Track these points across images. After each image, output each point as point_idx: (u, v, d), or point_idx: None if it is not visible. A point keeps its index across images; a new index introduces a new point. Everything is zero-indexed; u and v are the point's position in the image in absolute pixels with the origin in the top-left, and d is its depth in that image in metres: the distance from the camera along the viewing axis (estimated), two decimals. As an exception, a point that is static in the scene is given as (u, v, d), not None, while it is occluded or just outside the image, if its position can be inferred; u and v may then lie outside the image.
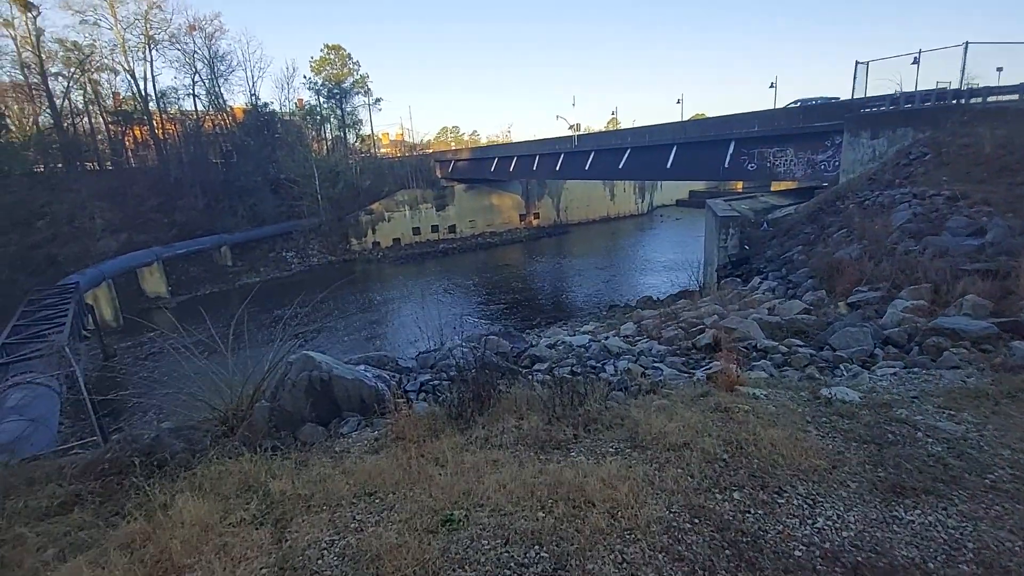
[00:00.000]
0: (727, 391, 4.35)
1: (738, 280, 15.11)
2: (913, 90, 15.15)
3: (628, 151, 28.89)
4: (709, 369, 5.23)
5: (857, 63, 16.22)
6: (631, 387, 5.03)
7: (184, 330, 6.54)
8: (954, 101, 14.16)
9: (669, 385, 5.01)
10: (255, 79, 55.98)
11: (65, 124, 43.54)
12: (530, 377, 6.03)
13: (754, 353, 5.96)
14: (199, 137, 51.43)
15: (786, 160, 20.18)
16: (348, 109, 59.79)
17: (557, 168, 36.23)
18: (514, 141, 53.40)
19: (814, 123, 18.54)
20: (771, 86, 35.22)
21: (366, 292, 37.02)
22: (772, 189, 43.40)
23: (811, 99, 36.39)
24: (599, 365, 6.50)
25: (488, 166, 45.66)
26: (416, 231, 50.52)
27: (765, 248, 15.01)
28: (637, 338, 9.13)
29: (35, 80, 41.36)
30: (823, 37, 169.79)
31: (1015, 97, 12.97)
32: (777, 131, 20.31)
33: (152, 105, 49.22)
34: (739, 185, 66.85)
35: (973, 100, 13.71)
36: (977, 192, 9.91)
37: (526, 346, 8.19)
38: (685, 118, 43.64)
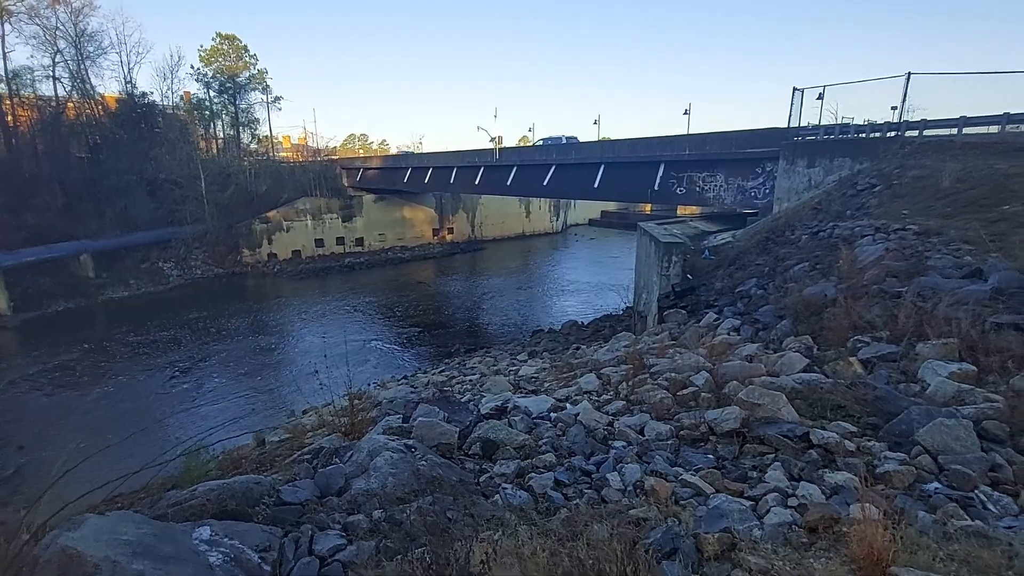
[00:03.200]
0: (875, 576, 2.46)
1: (683, 312, 13.95)
2: (851, 121, 15.21)
3: (553, 168, 27.69)
4: (795, 503, 3.34)
5: (794, 89, 16.10)
6: (683, 544, 3.00)
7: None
8: (891, 133, 14.23)
9: (739, 536, 3.04)
10: (132, 65, 48.49)
11: None
12: (499, 500, 3.82)
13: (812, 453, 4.23)
14: (59, 126, 43.55)
15: (716, 185, 19.82)
16: (243, 106, 54.05)
17: (476, 182, 34.34)
18: (429, 152, 50.95)
19: (746, 149, 18.26)
20: (685, 113, 36.16)
21: (260, 312, 32.43)
22: (678, 213, 44.86)
23: (558, 136, 39.99)
24: (592, 468, 4.43)
25: (401, 176, 42.76)
26: (319, 243, 46.12)
27: (712, 279, 14.00)
28: (607, 397, 7.24)
29: None
30: (744, 63, 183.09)
31: (954, 131, 13.11)
32: (708, 156, 19.93)
33: (2, 87, 41.02)
34: (648, 207, 69.51)
35: (910, 132, 13.77)
36: (949, 228, 9.34)
37: (472, 418, 5.95)
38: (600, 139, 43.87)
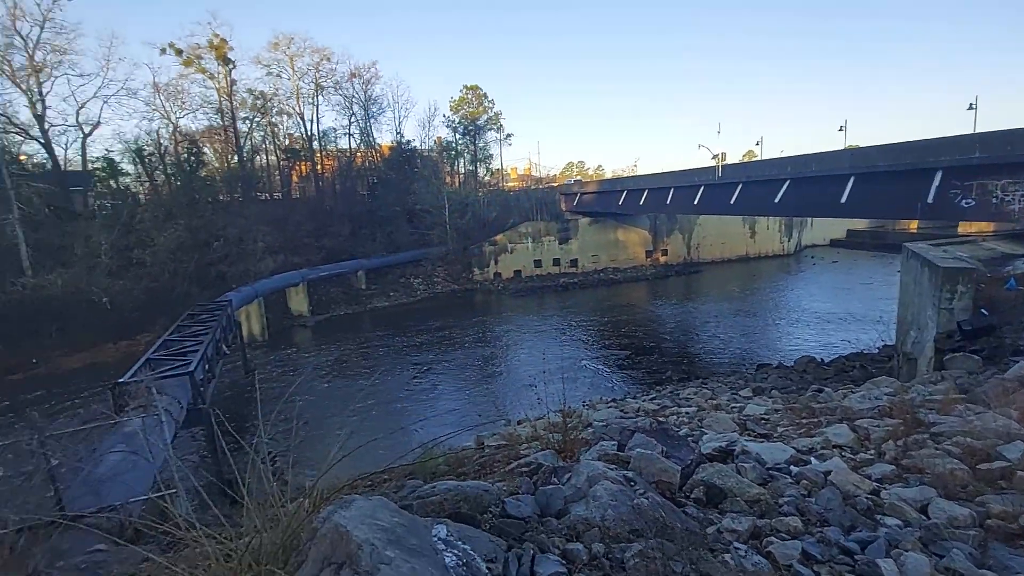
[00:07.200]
0: None
1: (976, 358, 10.86)
2: None
3: (787, 183, 24.63)
4: None
5: None
6: None
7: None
8: None
9: None
10: (400, 119, 60.59)
11: (245, 160, 49.93)
12: (730, 561, 3.45)
13: None
14: (350, 171, 56.49)
15: (1028, 195, 15.05)
16: (480, 144, 61.76)
17: (696, 202, 32.60)
18: (645, 173, 50.48)
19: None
20: (970, 107, 28.34)
21: (485, 324, 36.17)
22: (960, 231, 35.25)
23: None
24: (854, 546, 3.68)
25: (616, 199, 43.18)
26: (537, 264, 49.54)
27: (1021, 316, 10.61)
28: (866, 457, 6.00)
29: (228, 123, 48.21)
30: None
31: None
32: (1012, 157, 15.31)
33: (315, 143, 55.02)
34: (914, 225, 56.61)
35: None
36: None
37: (693, 456, 5.53)
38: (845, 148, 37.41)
